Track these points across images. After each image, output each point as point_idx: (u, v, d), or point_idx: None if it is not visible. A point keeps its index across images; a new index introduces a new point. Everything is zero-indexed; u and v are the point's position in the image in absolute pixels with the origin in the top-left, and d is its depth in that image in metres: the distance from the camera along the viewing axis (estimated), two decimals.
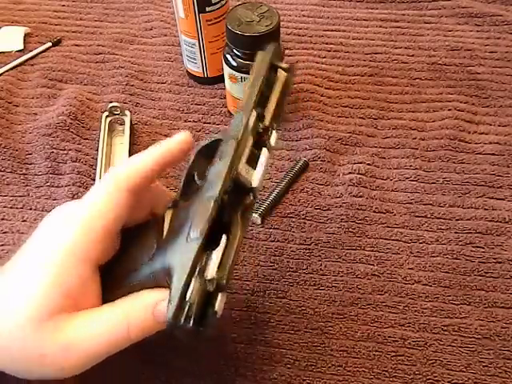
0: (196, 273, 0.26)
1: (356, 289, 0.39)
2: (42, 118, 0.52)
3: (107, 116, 0.50)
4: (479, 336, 0.37)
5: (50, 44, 0.61)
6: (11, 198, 0.46)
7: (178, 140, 0.31)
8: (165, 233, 0.30)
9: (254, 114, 0.30)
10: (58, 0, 0.68)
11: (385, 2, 0.65)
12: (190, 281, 0.26)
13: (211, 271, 0.26)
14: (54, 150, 0.49)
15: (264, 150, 0.30)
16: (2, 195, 0.46)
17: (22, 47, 0.60)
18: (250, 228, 0.43)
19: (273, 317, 0.38)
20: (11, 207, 0.45)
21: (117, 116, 0.51)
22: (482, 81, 0.55)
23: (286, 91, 0.33)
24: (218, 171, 0.28)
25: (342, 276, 0.40)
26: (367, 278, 0.40)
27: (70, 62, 0.59)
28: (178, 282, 0.26)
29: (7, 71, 0.57)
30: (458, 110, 0.52)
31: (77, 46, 0.61)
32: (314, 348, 0.36)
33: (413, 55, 0.58)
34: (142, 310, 0.28)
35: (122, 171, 0.30)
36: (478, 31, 0.61)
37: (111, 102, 0.51)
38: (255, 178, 0.29)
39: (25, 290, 0.27)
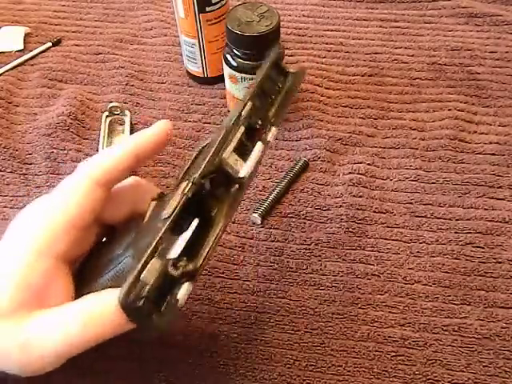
0: (157, 254, 0.24)
1: (356, 289, 0.39)
2: (42, 118, 0.52)
3: (107, 116, 0.50)
4: (479, 336, 0.37)
5: (49, 44, 0.61)
6: (11, 198, 0.46)
7: (155, 131, 0.30)
8: (144, 222, 0.29)
9: (249, 104, 0.30)
10: (58, 0, 0.68)
11: (385, 2, 0.65)
12: (149, 261, 0.24)
13: (174, 252, 0.25)
14: (54, 150, 0.49)
15: (258, 143, 0.30)
16: (2, 195, 0.46)
17: (22, 47, 0.60)
18: (250, 228, 0.43)
19: (273, 317, 0.38)
20: (11, 207, 0.45)
21: (117, 116, 0.51)
22: (481, 81, 0.55)
23: (291, 93, 0.33)
24: (202, 158, 0.28)
25: (341, 276, 0.40)
26: (367, 277, 0.40)
27: (70, 62, 0.59)
28: (137, 261, 0.24)
29: (7, 71, 0.57)
30: (458, 110, 0.52)
31: (77, 45, 0.61)
32: (314, 348, 0.37)
33: (413, 55, 0.58)
34: (100, 308, 0.25)
35: (93, 164, 0.29)
36: (478, 31, 0.61)
37: (111, 102, 0.51)
38: (244, 169, 0.29)
39: None
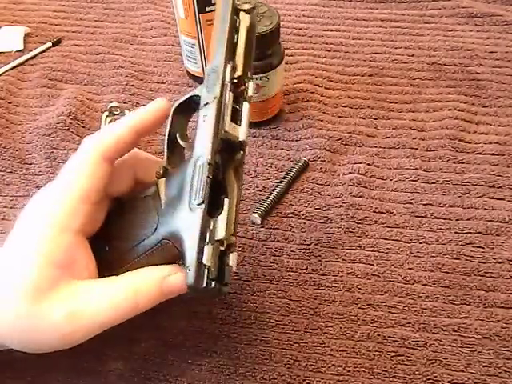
0: (207, 238, 0.27)
1: (356, 289, 0.39)
2: (42, 118, 0.52)
3: (107, 116, 0.50)
4: (479, 336, 0.37)
5: (49, 44, 0.61)
6: (11, 198, 0.46)
7: (154, 108, 0.31)
8: (162, 203, 0.30)
9: (229, 67, 0.30)
10: (58, 0, 0.68)
11: (385, 2, 0.65)
12: (203, 246, 0.27)
13: (220, 234, 0.27)
14: (53, 150, 0.49)
15: (245, 104, 0.31)
16: (2, 195, 0.46)
17: (22, 47, 0.60)
18: (250, 228, 0.43)
19: (273, 317, 0.38)
20: (11, 207, 0.45)
21: (117, 116, 0.51)
22: (481, 81, 0.55)
23: (252, 34, 0.33)
24: (205, 134, 0.29)
25: (341, 276, 0.40)
26: (367, 277, 0.40)
27: (70, 62, 0.59)
28: (191, 249, 0.27)
29: (7, 71, 0.57)
30: (458, 110, 0.52)
31: (77, 45, 0.61)
32: (314, 348, 0.36)
33: (413, 55, 0.58)
34: (149, 282, 0.29)
35: (97, 140, 0.30)
36: (478, 31, 0.61)
37: (111, 102, 0.51)
38: (241, 132, 0.30)
39: (15, 267, 0.28)
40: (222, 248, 0.28)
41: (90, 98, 0.55)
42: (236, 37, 0.32)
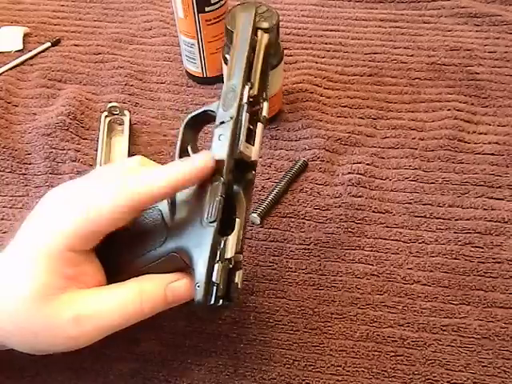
0: (218, 256, 0.28)
1: (355, 289, 0.39)
2: (42, 118, 0.52)
3: (106, 116, 0.50)
4: (478, 336, 0.37)
5: (49, 44, 0.61)
6: (11, 198, 0.46)
7: (200, 165, 0.29)
8: (173, 216, 0.30)
9: (247, 88, 0.30)
10: (58, 0, 0.68)
11: (384, 2, 0.65)
12: (214, 264, 0.27)
13: (230, 253, 0.28)
14: (53, 150, 0.49)
15: (259, 124, 0.31)
16: (2, 195, 0.46)
17: (21, 47, 0.60)
18: (250, 228, 0.43)
19: (272, 317, 0.38)
20: (11, 207, 0.45)
21: (116, 116, 0.51)
22: (481, 81, 0.55)
23: (269, 53, 0.33)
24: (220, 154, 0.29)
25: (341, 276, 0.40)
26: (366, 277, 0.40)
27: (70, 62, 0.59)
28: (201, 266, 0.28)
29: (7, 71, 0.57)
30: (458, 110, 0.52)
31: (76, 46, 0.61)
32: (313, 348, 0.37)
33: (412, 55, 0.58)
34: (154, 288, 0.30)
35: (133, 187, 0.28)
36: (477, 31, 0.61)
37: (110, 102, 0.51)
38: (254, 152, 0.30)
39: (25, 271, 0.28)
40: (231, 266, 0.28)
41: (90, 98, 0.55)
42: (253, 55, 0.32)
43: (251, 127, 0.31)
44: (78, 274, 0.29)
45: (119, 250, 0.32)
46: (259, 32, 0.33)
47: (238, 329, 0.38)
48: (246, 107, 0.30)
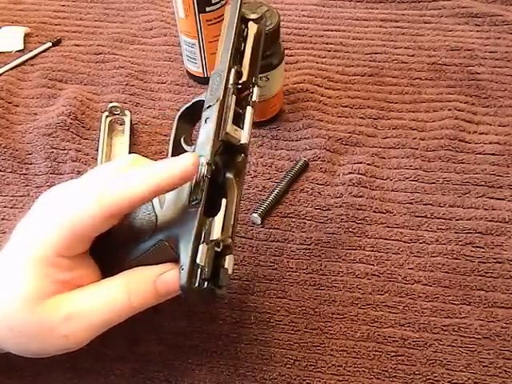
0: (202, 237, 0.27)
1: (356, 289, 0.39)
2: (42, 118, 0.52)
3: (107, 116, 0.50)
4: (479, 336, 0.37)
5: (49, 44, 0.61)
6: (11, 198, 0.46)
7: (182, 165, 0.27)
8: (162, 205, 0.30)
9: (233, 72, 0.30)
10: (58, 0, 0.68)
11: (385, 2, 0.65)
12: (198, 246, 0.27)
13: (216, 234, 0.27)
14: (54, 150, 0.49)
15: (249, 108, 0.31)
16: (3, 195, 0.46)
17: (22, 47, 0.60)
18: (250, 228, 0.43)
19: (273, 317, 0.38)
20: (11, 207, 0.45)
21: (117, 116, 0.51)
22: (482, 81, 0.55)
23: (259, 43, 0.33)
24: (206, 135, 0.29)
25: (341, 276, 0.40)
26: (367, 277, 0.40)
27: (70, 62, 0.59)
28: (185, 248, 0.27)
29: (7, 71, 0.57)
30: (458, 110, 0.52)
31: (77, 45, 0.61)
32: (314, 348, 0.36)
33: (413, 55, 0.58)
34: (142, 281, 0.29)
35: (110, 196, 0.27)
36: (477, 31, 0.61)
37: (111, 102, 0.51)
38: (243, 136, 0.30)
39: (18, 275, 0.28)
40: (218, 249, 0.27)
41: (90, 98, 0.55)
42: (243, 45, 0.32)
43: (240, 111, 0.31)
44: (72, 278, 0.29)
45: (112, 245, 0.31)
46: (249, 23, 0.33)
47: (239, 329, 0.38)
48: (232, 90, 0.30)
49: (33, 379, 0.36)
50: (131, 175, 0.28)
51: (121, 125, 0.51)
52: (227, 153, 0.30)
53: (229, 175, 0.30)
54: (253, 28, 0.33)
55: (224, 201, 0.28)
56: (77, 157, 0.48)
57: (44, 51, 0.60)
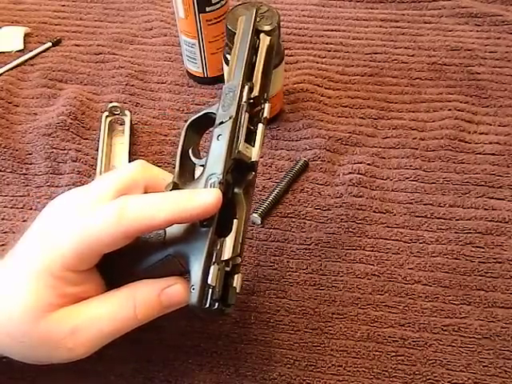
0: (213, 258, 0.27)
1: (356, 289, 0.39)
2: (42, 118, 0.52)
3: (107, 116, 0.50)
4: (479, 336, 0.37)
5: (49, 44, 0.61)
6: (11, 198, 0.46)
7: (206, 202, 0.27)
8: None
9: (246, 88, 0.30)
10: (58, 0, 0.68)
11: (385, 2, 0.65)
12: (209, 266, 0.27)
13: (227, 255, 0.27)
14: (54, 150, 0.49)
15: (260, 125, 0.31)
16: (3, 195, 0.46)
17: (22, 47, 0.60)
18: (250, 228, 0.43)
19: (273, 317, 0.38)
20: (11, 207, 0.45)
21: (117, 116, 0.51)
22: (482, 81, 0.55)
23: (271, 56, 0.33)
24: (218, 152, 0.29)
25: (341, 276, 0.40)
26: (367, 277, 0.40)
27: (70, 62, 0.59)
28: (197, 268, 0.27)
29: (7, 71, 0.57)
30: (458, 110, 0.52)
31: (77, 45, 0.61)
32: (314, 348, 0.37)
33: (413, 55, 0.58)
34: (147, 294, 0.29)
35: (131, 217, 0.27)
36: (477, 31, 0.61)
37: (111, 102, 0.51)
38: (254, 153, 0.30)
39: (23, 287, 0.28)
40: (228, 269, 0.27)
41: (90, 98, 0.55)
42: (255, 57, 0.32)
43: (252, 128, 0.31)
44: (78, 292, 0.29)
45: (118, 258, 0.31)
46: (261, 34, 0.33)
47: (239, 329, 0.38)
48: (245, 107, 0.30)
49: (33, 380, 0.36)
50: (154, 200, 0.28)
51: (121, 125, 0.51)
52: (237, 170, 0.30)
53: (237, 190, 0.30)
54: (265, 40, 0.32)
55: (235, 221, 0.28)
56: (77, 157, 0.48)
57: (44, 51, 0.60)
